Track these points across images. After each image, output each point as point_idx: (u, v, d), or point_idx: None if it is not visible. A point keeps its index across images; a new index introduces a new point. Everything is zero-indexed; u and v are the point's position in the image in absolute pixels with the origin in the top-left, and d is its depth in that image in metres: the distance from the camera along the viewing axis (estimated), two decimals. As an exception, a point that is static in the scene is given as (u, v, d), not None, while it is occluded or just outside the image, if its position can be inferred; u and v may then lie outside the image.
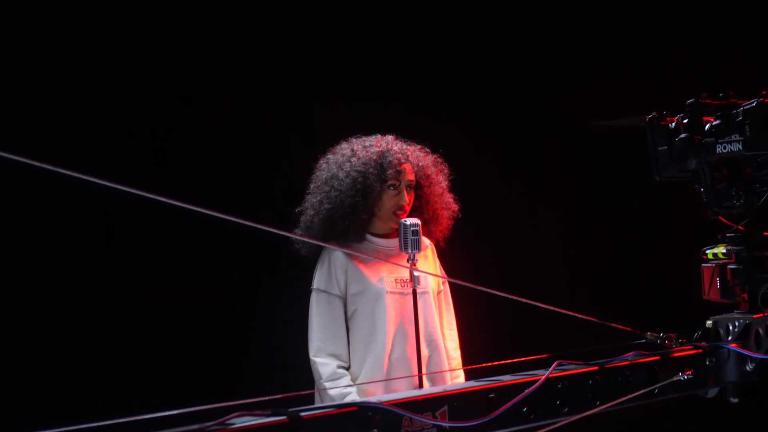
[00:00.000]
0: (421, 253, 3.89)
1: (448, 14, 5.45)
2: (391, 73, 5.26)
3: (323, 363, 3.81)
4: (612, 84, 5.52)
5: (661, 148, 2.40)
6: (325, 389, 3.78)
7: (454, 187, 4.04)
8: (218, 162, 4.92)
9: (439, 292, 4.03)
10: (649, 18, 5.66)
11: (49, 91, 4.60)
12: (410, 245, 3.64)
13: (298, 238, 3.78)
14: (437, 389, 1.90)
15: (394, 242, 3.84)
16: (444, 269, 4.10)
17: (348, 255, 3.83)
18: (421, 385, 3.72)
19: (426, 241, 3.99)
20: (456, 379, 3.97)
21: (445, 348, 4.00)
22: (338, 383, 3.77)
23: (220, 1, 5.04)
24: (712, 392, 2.31)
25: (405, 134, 4.06)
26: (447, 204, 4.00)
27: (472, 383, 1.98)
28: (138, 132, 4.80)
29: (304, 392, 1.95)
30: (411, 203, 3.89)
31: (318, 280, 3.87)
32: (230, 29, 5.06)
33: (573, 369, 2.07)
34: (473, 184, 4.16)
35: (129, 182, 1.86)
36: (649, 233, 5.46)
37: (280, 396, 1.85)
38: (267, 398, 1.81)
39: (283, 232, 2.25)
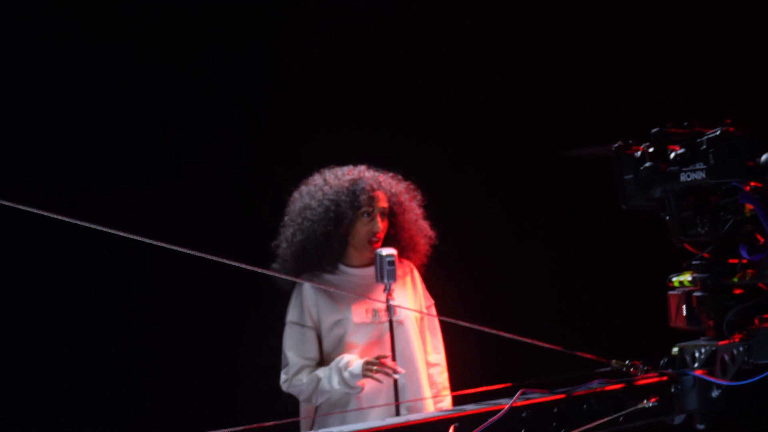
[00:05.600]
0: (401, 279, 3.90)
1: (434, 41, 5.49)
2: (377, 100, 5.29)
3: (294, 376, 3.85)
4: (594, 111, 5.53)
5: (627, 177, 2.41)
6: (303, 387, 3.84)
7: (427, 212, 4.07)
8: (204, 196, 4.96)
9: (422, 318, 4.03)
10: (642, 45, 5.69)
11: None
12: (386, 275, 3.65)
13: (268, 273, 3.78)
14: (400, 419, 1.91)
15: (368, 272, 3.86)
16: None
17: (317, 288, 3.84)
18: (398, 414, 3.73)
19: (407, 265, 4.00)
20: (440, 403, 3.98)
21: (428, 374, 4.00)
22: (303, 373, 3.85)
23: (208, 32, 5.08)
24: (679, 419, 2.32)
25: (390, 160, 4.08)
26: (423, 230, 4.01)
27: (435, 413, 1.99)
28: (127, 171, 4.86)
29: (285, 420, 1.95)
30: (385, 231, 3.90)
31: (291, 314, 3.91)
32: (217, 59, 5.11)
33: (537, 398, 2.08)
34: (450, 209, 4.18)
35: (115, 216, 1.90)
36: (615, 261, 5.48)
37: (257, 425, 1.86)
38: (244, 428, 1.82)
39: (254, 268, 2.27)
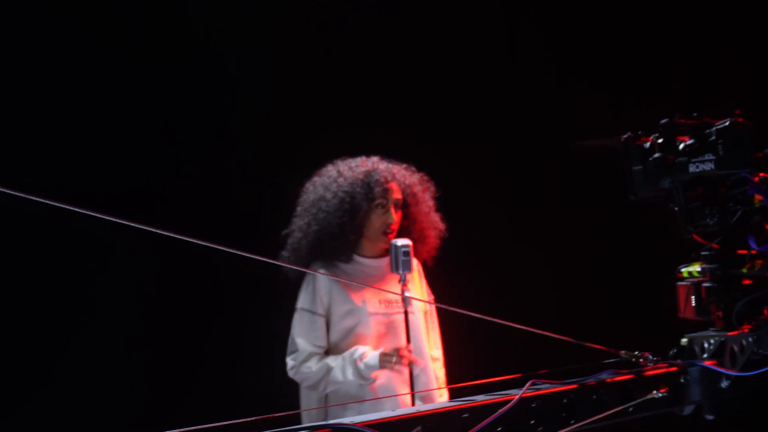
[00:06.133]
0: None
1: (434, 40, 5.48)
2: (376, 100, 5.29)
3: (303, 363, 3.82)
4: (594, 111, 5.53)
5: (636, 168, 2.41)
6: (310, 374, 3.81)
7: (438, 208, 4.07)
8: (206, 189, 4.95)
9: (426, 312, 4.04)
10: (642, 44, 5.69)
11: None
12: (401, 266, 3.68)
13: (283, 264, 3.80)
14: (411, 410, 1.90)
15: (381, 262, 3.87)
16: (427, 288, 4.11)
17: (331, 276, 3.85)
18: (413, 404, 3.75)
19: (413, 260, 4.00)
20: (440, 398, 3.99)
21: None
22: (313, 360, 3.82)
23: (209, 32, 5.07)
24: (688, 410, 2.31)
25: (390, 157, 4.08)
26: (434, 223, 4.02)
27: (446, 403, 1.99)
28: (129, 170, 4.85)
29: (287, 413, 1.96)
30: (399, 222, 3.91)
31: (302, 300, 3.90)
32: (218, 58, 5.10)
33: (547, 388, 2.07)
34: (452, 206, 4.18)
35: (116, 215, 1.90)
36: (625, 252, 5.48)
37: (262, 417, 1.85)
38: (248, 419, 1.81)
39: (268, 260, 2.26)
